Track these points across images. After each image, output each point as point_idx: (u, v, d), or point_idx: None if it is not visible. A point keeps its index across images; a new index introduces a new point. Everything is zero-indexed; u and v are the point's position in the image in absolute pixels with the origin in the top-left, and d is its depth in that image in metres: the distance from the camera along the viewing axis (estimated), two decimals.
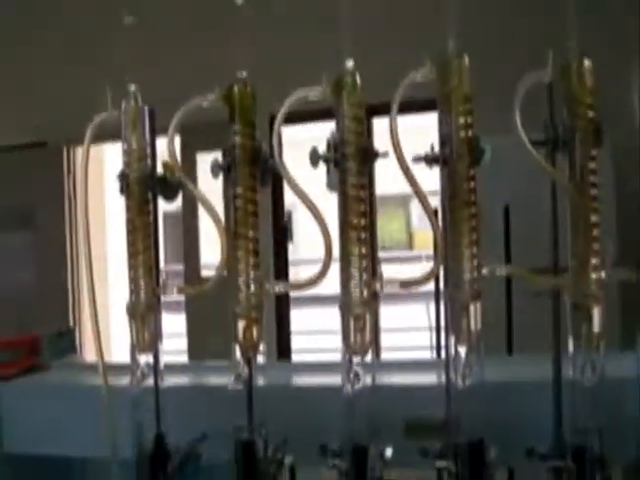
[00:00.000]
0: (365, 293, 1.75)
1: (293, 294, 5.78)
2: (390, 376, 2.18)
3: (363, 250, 1.74)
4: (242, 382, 1.86)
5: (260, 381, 1.88)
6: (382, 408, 1.83)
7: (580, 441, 1.74)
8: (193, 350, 6.70)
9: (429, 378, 2.18)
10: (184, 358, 6.60)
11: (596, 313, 1.73)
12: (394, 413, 1.90)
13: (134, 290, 1.92)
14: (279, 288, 1.85)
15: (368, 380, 1.79)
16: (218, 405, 1.92)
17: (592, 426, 1.74)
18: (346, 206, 1.75)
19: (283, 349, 6.15)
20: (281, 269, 6.08)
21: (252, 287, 1.81)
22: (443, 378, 1.78)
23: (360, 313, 1.75)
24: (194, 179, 6.18)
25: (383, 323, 6.39)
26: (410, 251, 15.52)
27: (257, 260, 1.82)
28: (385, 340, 6.64)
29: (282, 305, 6.12)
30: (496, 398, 1.88)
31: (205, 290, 1.85)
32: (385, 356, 6.65)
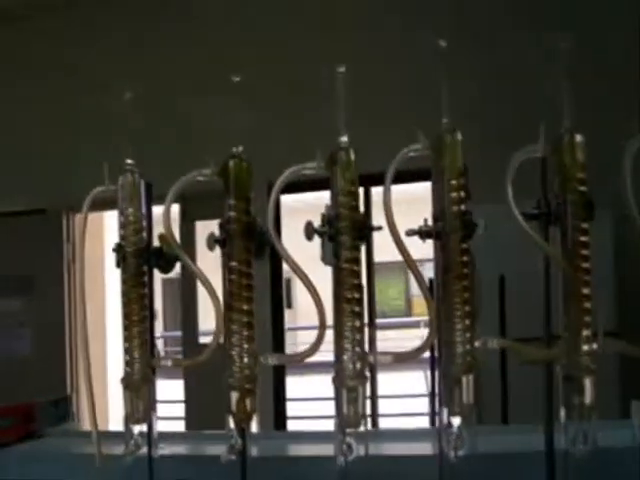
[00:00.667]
0: (358, 366, 1.76)
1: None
2: (385, 445, 2.19)
3: (357, 323, 1.76)
4: (235, 453, 1.86)
5: (254, 451, 1.89)
6: (376, 478, 1.84)
7: None
8: (191, 417, 6.69)
9: (424, 447, 2.18)
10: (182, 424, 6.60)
11: (587, 384, 1.74)
12: None
13: (129, 361, 1.93)
14: (272, 360, 1.86)
15: (362, 449, 1.80)
16: (212, 475, 1.93)
17: None
18: (340, 279, 1.77)
19: (279, 417, 6.13)
20: (278, 336, 6.10)
21: (245, 359, 1.83)
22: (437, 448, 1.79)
23: (353, 386, 1.76)
24: (193, 247, 6.27)
25: (382, 390, 6.39)
26: (409, 317, 15.54)
27: (251, 333, 1.83)
28: (384, 407, 6.63)
29: (279, 373, 6.11)
30: (488, 469, 1.89)
31: (200, 362, 1.86)
32: (384, 423, 6.64)
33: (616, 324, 4.25)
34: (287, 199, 5.70)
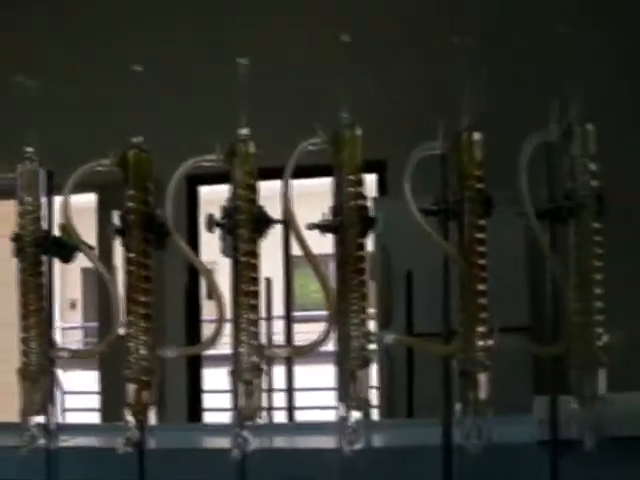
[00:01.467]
0: (255, 359, 1.77)
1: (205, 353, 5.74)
2: (282, 439, 2.20)
3: (253, 316, 1.76)
4: (132, 445, 1.85)
5: (152, 443, 1.88)
6: (273, 471, 1.84)
7: None
8: (107, 409, 6.64)
9: (324, 440, 2.18)
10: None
11: (482, 380, 1.76)
12: (285, 476, 1.91)
13: (26, 351, 1.91)
14: (171, 352, 1.85)
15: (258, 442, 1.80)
16: (111, 467, 1.92)
17: None
18: (238, 272, 1.77)
19: (194, 408, 6.10)
20: (193, 327, 6.07)
21: (142, 351, 1.82)
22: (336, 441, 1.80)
23: (249, 379, 1.77)
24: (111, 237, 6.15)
25: (298, 382, 6.39)
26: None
27: (149, 324, 1.83)
28: (300, 400, 6.64)
29: (195, 364, 6.08)
30: (385, 462, 1.90)
31: (97, 352, 1.85)
32: (300, 415, 6.64)
33: (529, 319, 4.31)
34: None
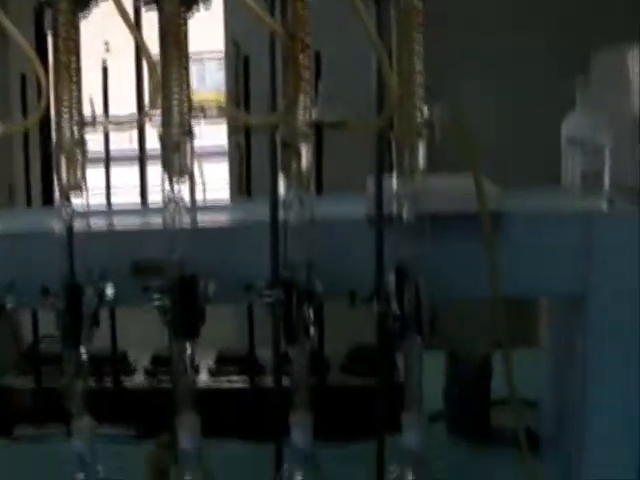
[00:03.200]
0: (76, 133, 1.76)
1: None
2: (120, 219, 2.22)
3: (74, 89, 1.74)
4: None
5: None
6: (109, 250, 1.86)
7: (293, 276, 1.81)
8: None
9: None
10: None
11: (303, 151, 1.79)
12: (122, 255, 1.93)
13: None
14: None
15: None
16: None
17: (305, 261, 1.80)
18: (57, 45, 1.74)
19: None
20: None
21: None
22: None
23: (70, 152, 1.76)
24: None
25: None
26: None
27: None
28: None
29: None
30: (215, 241, 1.92)
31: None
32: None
33: None
34: None
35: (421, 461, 1.84)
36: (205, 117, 1.80)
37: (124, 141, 4.23)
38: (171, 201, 1.79)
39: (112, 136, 3.04)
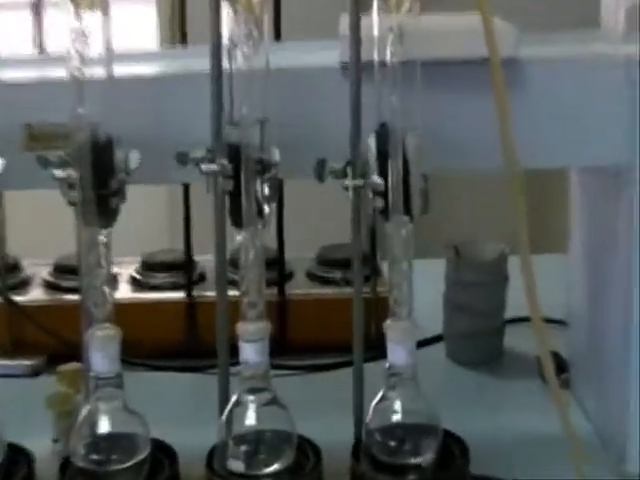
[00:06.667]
0: None
1: None
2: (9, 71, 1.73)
3: None
4: None
5: None
6: None
7: (242, 140, 1.40)
8: None
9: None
10: None
11: None
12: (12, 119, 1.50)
13: None
14: None
15: None
16: None
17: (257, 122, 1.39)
18: None
19: None
20: None
21: None
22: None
23: None
24: None
25: None
26: None
27: None
28: None
29: None
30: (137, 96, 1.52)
31: None
32: None
33: None
34: None
35: (409, 379, 1.45)
36: None
37: None
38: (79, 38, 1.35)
39: None
